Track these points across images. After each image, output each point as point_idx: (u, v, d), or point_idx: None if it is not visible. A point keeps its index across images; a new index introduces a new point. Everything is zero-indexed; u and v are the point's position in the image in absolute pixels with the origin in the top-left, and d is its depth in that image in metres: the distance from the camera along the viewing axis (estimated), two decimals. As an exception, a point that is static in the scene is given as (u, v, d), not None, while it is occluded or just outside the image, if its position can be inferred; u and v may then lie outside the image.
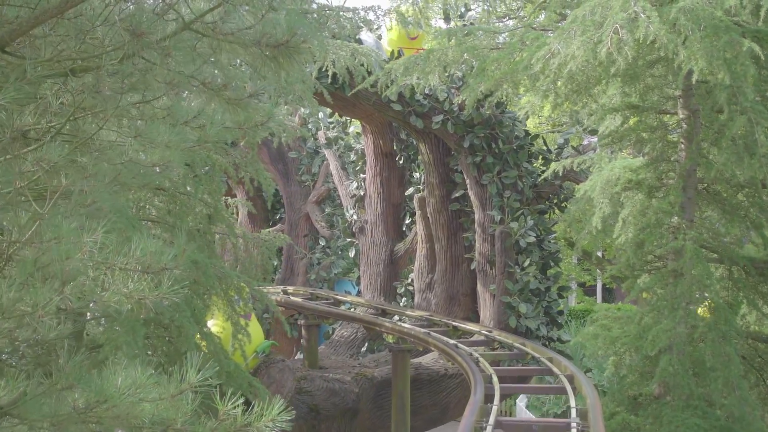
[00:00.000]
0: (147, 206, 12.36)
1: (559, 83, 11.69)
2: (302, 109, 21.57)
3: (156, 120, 6.84)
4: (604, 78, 11.61)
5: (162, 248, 5.66)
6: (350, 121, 20.21)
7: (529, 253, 15.73)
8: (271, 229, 23.30)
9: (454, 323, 14.68)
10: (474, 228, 16.44)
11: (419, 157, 17.94)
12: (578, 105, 12.44)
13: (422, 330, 13.51)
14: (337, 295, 17.86)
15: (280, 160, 22.07)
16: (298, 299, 17.10)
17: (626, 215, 12.66)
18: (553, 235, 16.37)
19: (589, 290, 37.66)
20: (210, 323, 13.60)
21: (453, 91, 15.82)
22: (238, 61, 11.12)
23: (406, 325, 14.14)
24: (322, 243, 21.42)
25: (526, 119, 16.55)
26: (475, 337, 14.24)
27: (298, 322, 17.00)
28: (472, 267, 16.60)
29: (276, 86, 11.54)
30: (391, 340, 13.97)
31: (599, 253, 25.33)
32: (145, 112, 6.82)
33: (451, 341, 12.68)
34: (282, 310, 19.50)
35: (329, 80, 15.63)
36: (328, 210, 21.29)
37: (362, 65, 13.28)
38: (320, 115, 20.86)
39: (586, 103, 12.45)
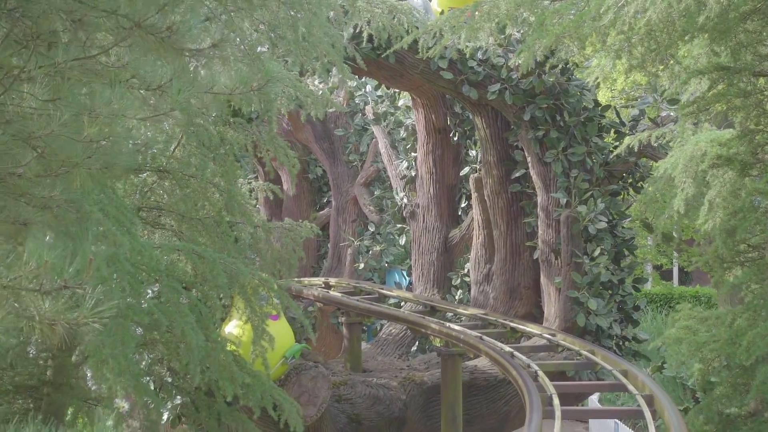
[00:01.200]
0: (149, 193, 10.86)
1: (634, 39, 9.88)
2: (349, 82, 19.94)
3: (115, 84, 5.26)
4: (689, 32, 9.76)
5: (63, 257, 4.05)
6: (399, 94, 18.49)
7: (599, 241, 13.93)
8: (318, 213, 21.75)
9: (512, 324, 12.94)
10: (536, 212, 14.66)
11: (475, 133, 16.17)
12: (657, 67, 10.61)
13: (474, 333, 11.79)
14: (382, 289, 16.21)
15: (326, 138, 20.46)
16: (338, 294, 15.46)
17: (714, 197, 10.88)
18: (627, 220, 14.53)
19: (665, 273, 35.72)
20: (231, 325, 12.05)
21: (511, 56, 14.03)
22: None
23: (455, 327, 12.43)
24: (372, 229, 19.78)
25: (596, 87, 14.69)
26: (536, 341, 12.50)
27: (340, 320, 15.38)
28: (535, 256, 14.84)
29: (295, 48, 9.93)
30: (438, 344, 12.28)
31: (676, 235, 23.45)
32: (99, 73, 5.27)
33: (507, 348, 10.95)
34: (321, 306, 17.96)
35: (371, 46, 13.95)
36: (377, 192, 19.63)
37: (402, 25, 11.57)
38: (368, 88, 19.18)
39: (667, 65, 10.62)
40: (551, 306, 14.23)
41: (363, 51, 14.06)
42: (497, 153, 15.32)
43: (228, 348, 12.75)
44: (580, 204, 13.87)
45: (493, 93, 14.08)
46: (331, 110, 20.46)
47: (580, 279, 13.60)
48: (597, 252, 13.73)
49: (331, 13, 12.43)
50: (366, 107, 19.00)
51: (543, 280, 14.49)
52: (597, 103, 14.43)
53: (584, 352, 11.06)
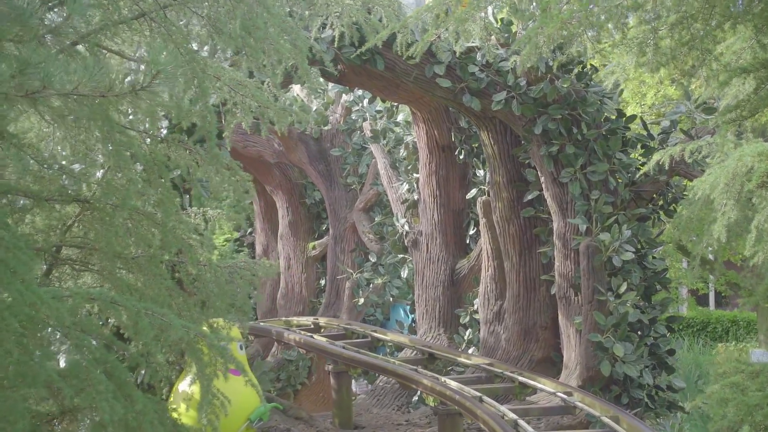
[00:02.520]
0: (75, 226, 9.07)
1: (661, 31, 8.04)
2: (344, 96, 18.15)
3: None
4: (730, 19, 7.91)
5: None
6: (398, 108, 16.67)
7: (626, 275, 12.02)
8: (317, 242, 19.93)
9: (521, 378, 11.02)
10: (552, 241, 12.78)
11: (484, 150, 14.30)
12: (690, 63, 8.73)
13: (473, 392, 9.88)
14: (375, 331, 14.34)
15: (322, 159, 18.65)
16: (323, 340, 13.59)
17: (762, 223, 8.99)
18: (659, 249, 12.62)
19: (701, 297, 33.70)
20: (186, 382, 10.25)
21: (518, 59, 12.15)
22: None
23: (452, 384, 10.51)
24: (373, 259, 17.92)
25: (619, 95, 12.78)
26: (550, 399, 10.58)
27: (326, 368, 13.51)
28: (553, 292, 12.95)
29: (233, 44, 8.18)
30: (433, 403, 10.39)
31: (712, 257, 21.45)
32: None
33: (510, 414, 9.02)
34: (305, 353, 16.12)
35: (354, 50, 12.16)
36: (378, 218, 17.78)
37: (380, 20, 9.73)
38: (366, 102, 17.36)
39: (702, 61, 8.73)
40: (571, 351, 12.33)
41: (346, 56, 12.28)
42: (507, 173, 13.47)
43: (184, 409, 10.88)
44: (602, 231, 11.98)
45: (498, 103, 12.24)
46: (326, 128, 18.73)
47: (603, 320, 11.69)
48: (623, 287, 11.82)
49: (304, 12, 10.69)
50: (364, 124, 17.17)
51: (561, 320, 12.60)
52: (621, 113, 12.55)
53: (606, 419, 9.13)
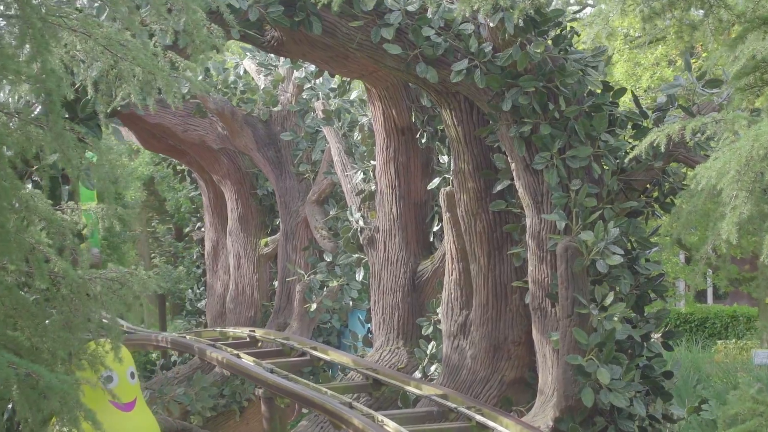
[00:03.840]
0: None
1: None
2: (296, 72, 16.13)
3: None
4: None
5: None
6: (350, 84, 14.65)
7: (613, 282, 10.05)
8: (269, 239, 17.93)
9: (478, 417, 9.04)
10: (525, 240, 10.81)
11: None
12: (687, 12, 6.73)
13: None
14: (314, 349, 12.35)
15: (271, 144, 16.65)
16: (249, 361, 11.57)
17: (783, 219, 7.12)
18: (653, 250, 10.63)
19: (699, 293, 31.92)
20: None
21: (485, 20, 10.16)
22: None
23: (388, 426, 8.49)
24: (329, 259, 15.92)
25: (606, 63, 10.74)
26: (513, 445, 8.60)
27: (255, 392, 11.51)
28: (527, 300, 10.98)
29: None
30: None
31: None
32: None
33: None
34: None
35: (282, 9, 10.18)
36: (333, 212, 15.78)
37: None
38: (319, 79, 15.33)
39: (709, 8, 6.73)
40: (547, 373, 10.37)
41: (272, 16, 10.27)
42: (473, 159, 11.48)
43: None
44: (584, 229, 9.98)
45: (458, 73, 10.23)
46: (276, 109, 16.71)
47: (585, 338, 9.71)
48: (610, 298, 9.84)
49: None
50: (316, 104, 15.15)
51: (536, 335, 10.64)
52: (607, 86, 10.53)
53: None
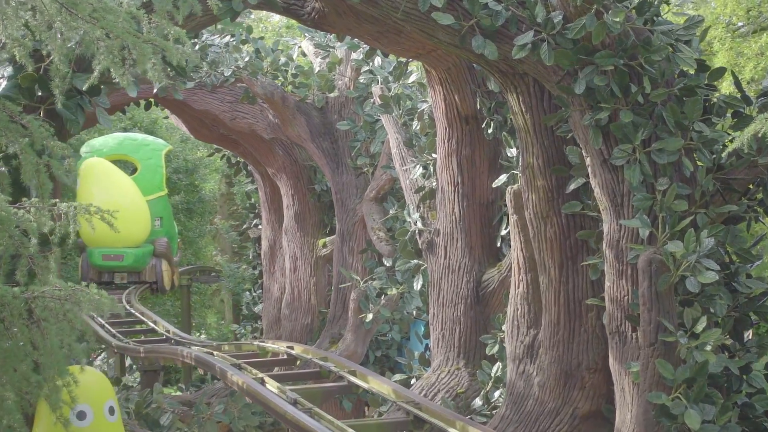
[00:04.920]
0: None
1: None
2: (354, 54, 14.74)
3: None
4: None
5: None
6: (407, 65, 13.19)
7: (707, 303, 8.44)
8: (327, 239, 16.61)
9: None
10: (602, 249, 9.25)
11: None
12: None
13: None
14: (353, 374, 10.95)
15: (327, 134, 15.32)
16: (274, 388, 10.17)
17: None
18: (755, 264, 8.97)
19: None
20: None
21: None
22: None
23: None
24: (388, 263, 14.51)
25: (701, 38, 9.09)
26: None
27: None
28: (605, 320, 9.42)
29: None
30: None
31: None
32: None
33: None
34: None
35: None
36: (392, 211, 14.35)
37: None
38: (377, 61, 13.93)
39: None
40: (626, 411, 8.81)
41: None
42: (543, 152, 9.96)
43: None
44: (671, 239, 8.39)
45: (521, 48, 8.71)
46: (332, 95, 15.35)
47: (671, 372, 8.13)
48: (702, 323, 8.23)
49: None
50: (373, 88, 13.73)
51: (612, 364, 9.07)
52: (702, 66, 8.88)
53: None
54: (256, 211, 20.12)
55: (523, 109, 10.00)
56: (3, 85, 7.28)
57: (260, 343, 13.43)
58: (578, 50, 8.62)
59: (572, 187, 9.68)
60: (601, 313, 9.58)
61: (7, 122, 5.66)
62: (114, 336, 17.03)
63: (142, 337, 17.86)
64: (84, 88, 7.41)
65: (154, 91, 14.05)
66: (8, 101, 6.94)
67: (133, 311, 19.61)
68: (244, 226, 21.50)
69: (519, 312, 10.72)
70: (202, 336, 32.89)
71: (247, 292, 20.87)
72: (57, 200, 6.92)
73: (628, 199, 8.75)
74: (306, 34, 15.97)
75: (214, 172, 33.72)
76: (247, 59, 14.50)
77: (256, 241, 20.21)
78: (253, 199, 20.44)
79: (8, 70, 7.37)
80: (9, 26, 6.38)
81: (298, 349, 12.12)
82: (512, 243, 10.88)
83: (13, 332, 5.59)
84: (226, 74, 14.30)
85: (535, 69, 9.03)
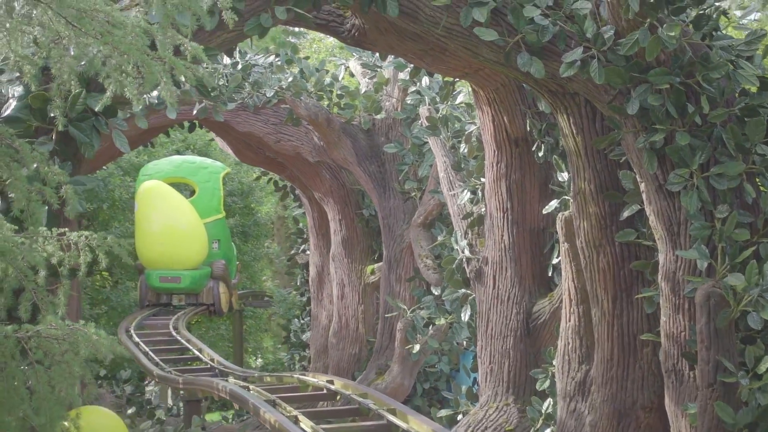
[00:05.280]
0: None
1: None
2: (401, 74, 14.30)
3: None
4: None
5: None
6: (454, 85, 12.71)
7: (771, 341, 7.84)
8: (376, 266, 16.14)
9: None
10: (657, 281, 8.66)
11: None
12: None
13: None
14: (393, 412, 10.43)
15: (373, 157, 14.88)
16: (308, 428, 9.68)
17: None
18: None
19: None
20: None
21: (603, -1, 8.12)
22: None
23: None
24: (437, 292, 13.98)
25: (765, 54, 8.49)
26: None
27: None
28: (661, 357, 8.82)
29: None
30: None
31: None
32: None
33: None
34: None
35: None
36: (441, 238, 13.84)
37: None
38: (425, 80, 13.47)
39: None
40: (683, 455, 8.19)
41: (335, -4, 8.50)
42: (595, 177, 9.41)
43: None
44: (731, 271, 7.80)
45: (569, 66, 8.20)
46: (379, 116, 14.91)
47: (731, 415, 7.53)
48: (765, 363, 7.63)
49: None
50: (420, 109, 13.27)
51: (668, 405, 8.48)
52: (766, 83, 8.29)
53: None
54: (305, 236, 19.74)
55: (574, 131, 9.46)
56: (13, 106, 6.90)
57: (301, 376, 12.96)
58: (631, 68, 8.08)
59: (626, 214, 9.12)
60: (658, 348, 8.99)
61: (6, 147, 5.27)
62: (157, 364, 16.70)
63: (184, 365, 17.53)
64: (97, 109, 7.02)
65: (194, 112, 13.73)
66: (17, 122, 6.58)
67: (179, 338, 19.26)
68: (292, 252, 21.12)
69: (570, 346, 10.15)
70: (258, 361, 32.58)
71: (296, 319, 20.48)
72: (66, 229, 6.53)
73: (685, 228, 8.17)
74: (354, 54, 15.54)
75: (269, 194, 33.44)
76: (291, 79, 14.12)
77: (305, 267, 19.81)
78: (301, 224, 20.07)
79: (18, 90, 6.99)
80: (14, 42, 6.00)
81: (338, 384, 11.65)
82: (563, 273, 10.33)
83: (5, 374, 5.17)
84: (268, 95, 13.92)
85: (584, 88, 8.51)
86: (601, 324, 9.58)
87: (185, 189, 25.23)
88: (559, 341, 10.33)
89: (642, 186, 8.51)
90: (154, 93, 12.93)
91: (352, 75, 16.41)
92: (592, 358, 9.83)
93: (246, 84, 14.05)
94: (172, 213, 23.84)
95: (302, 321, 20.07)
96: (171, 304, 24.52)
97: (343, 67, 15.30)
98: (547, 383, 11.00)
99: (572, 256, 10.09)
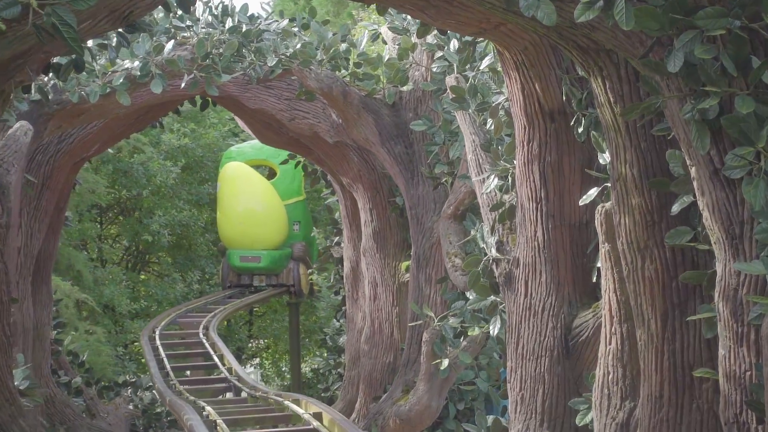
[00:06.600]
0: None
1: None
2: (429, 36, 12.22)
3: None
4: None
5: None
6: (474, 47, 10.59)
7: None
8: (411, 262, 14.14)
9: None
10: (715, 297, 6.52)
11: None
12: None
13: None
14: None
15: (399, 136, 12.87)
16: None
17: None
18: None
19: None
20: None
21: None
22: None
23: None
24: (471, 296, 11.92)
25: None
26: None
27: None
28: (721, 406, 6.66)
29: None
30: None
31: None
32: None
33: None
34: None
35: None
36: (474, 231, 11.77)
37: None
38: (453, 43, 11.37)
39: None
40: None
41: None
42: (639, 159, 7.29)
43: None
44: (813, 291, 5.64)
45: (587, 6, 6.08)
46: (405, 89, 12.87)
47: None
48: None
49: None
50: (446, 78, 11.18)
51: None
52: None
53: None
54: (339, 226, 17.85)
55: (611, 99, 7.34)
56: None
57: (296, 398, 11.08)
58: (672, 7, 5.91)
59: (677, 208, 6.97)
60: (715, 385, 6.87)
61: None
62: (167, 374, 15.08)
63: (188, 374, 16.00)
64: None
65: (182, 85, 11.86)
66: None
67: (204, 341, 17.58)
68: (326, 244, 19.24)
69: (610, 377, 8.07)
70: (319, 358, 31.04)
71: (334, 320, 18.64)
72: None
73: (749, 229, 6.01)
74: (386, 18, 13.49)
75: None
76: (298, 46, 12.13)
77: (339, 262, 17.92)
78: (336, 214, 18.17)
79: None
80: None
81: (326, 420, 9.69)
82: (603, 282, 8.24)
83: None
84: (270, 64, 11.95)
85: (610, 38, 6.38)
86: (648, 350, 7.44)
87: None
88: (597, 370, 8.25)
89: (692, 171, 6.36)
90: (136, 63, 11.04)
91: (384, 43, 14.39)
92: (638, 392, 7.72)
93: (246, 52, 12.10)
94: (253, 194, 25.58)
95: (339, 322, 18.21)
96: (252, 284, 25.88)
97: (366, 32, 13.24)
98: (590, 417, 8.89)
99: (614, 261, 8.00)
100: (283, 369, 36.64)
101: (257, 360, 37.67)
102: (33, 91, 10.12)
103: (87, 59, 11.22)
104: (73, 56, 8.62)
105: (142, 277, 30.83)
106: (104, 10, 7.29)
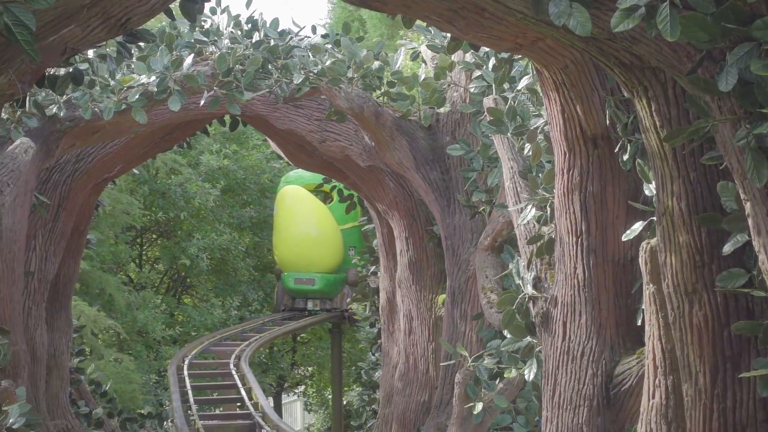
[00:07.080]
0: None
1: None
2: (467, 56, 11.50)
3: None
4: None
5: None
6: (511, 65, 9.83)
7: None
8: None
9: None
10: (775, 355, 5.71)
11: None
12: None
13: None
14: None
15: (435, 161, 12.15)
16: None
17: None
18: None
19: None
20: None
21: None
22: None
23: None
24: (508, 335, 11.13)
25: None
26: None
27: None
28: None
29: None
30: None
31: None
32: None
33: None
34: None
35: None
36: (512, 265, 10.98)
37: None
38: (491, 62, 10.63)
39: None
40: None
41: None
42: (688, 190, 6.51)
43: None
44: None
45: (627, 14, 5.31)
46: (443, 110, 12.14)
47: None
48: None
49: None
50: (484, 100, 10.44)
51: None
52: None
53: None
54: (376, 255, 17.16)
55: (657, 123, 6.57)
56: None
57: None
58: (725, 15, 5.13)
59: (730, 248, 6.16)
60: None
61: None
62: (189, 408, 14.46)
63: (220, 410, 15.32)
64: None
65: (201, 103, 11.24)
66: None
67: (234, 373, 16.95)
68: (361, 273, 18.56)
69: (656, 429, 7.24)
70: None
71: (370, 354, 17.93)
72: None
73: (813, 276, 5.20)
74: (426, 36, 12.77)
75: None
76: (328, 63, 11.46)
77: (375, 292, 17.23)
78: (374, 242, 17.50)
79: None
80: None
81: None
82: (646, 327, 7.42)
83: None
84: (296, 82, 11.28)
85: (655, 52, 5.61)
86: (695, 407, 6.63)
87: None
88: (638, 425, 7.42)
89: (747, 206, 5.55)
90: (153, 78, 10.42)
91: (424, 62, 13.69)
92: (685, 451, 6.90)
93: (272, 68, 11.45)
94: (309, 217, 26.04)
95: (375, 356, 17.50)
96: (306, 308, 26.07)
97: (402, 49, 12.53)
98: (633, 477, 8.09)
99: (659, 304, 7.19)
100: (328, 397, 36.06)
101: (302, 387, 37.09)
102: (27, 106, 9.51)
103: (101, 72, 10.66)
104: (71, 68, 8.01)
105: (186, 300, 30.45)
106: (97, 16, 6.68)
